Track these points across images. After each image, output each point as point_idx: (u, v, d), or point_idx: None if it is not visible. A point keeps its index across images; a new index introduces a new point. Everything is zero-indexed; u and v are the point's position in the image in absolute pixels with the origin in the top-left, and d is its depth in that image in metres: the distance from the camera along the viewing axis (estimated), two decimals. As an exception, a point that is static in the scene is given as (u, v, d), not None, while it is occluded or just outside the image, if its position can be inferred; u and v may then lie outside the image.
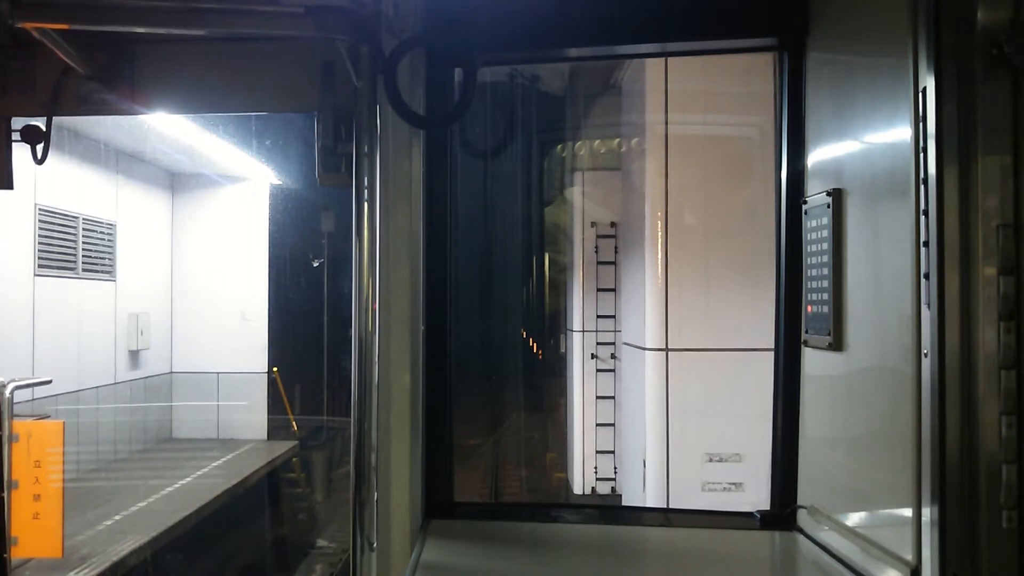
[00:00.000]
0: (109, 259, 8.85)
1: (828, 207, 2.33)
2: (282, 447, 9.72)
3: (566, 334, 8.86)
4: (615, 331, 7.64)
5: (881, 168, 2.07)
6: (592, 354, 7.85)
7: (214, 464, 8.88)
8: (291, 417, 10.18)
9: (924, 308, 1.78)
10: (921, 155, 1.79)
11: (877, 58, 2.11)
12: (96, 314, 8.65)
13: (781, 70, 2.64)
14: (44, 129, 2.32)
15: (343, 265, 9.87)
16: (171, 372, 10.28)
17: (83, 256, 8.30)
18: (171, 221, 10.30)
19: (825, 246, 2.35)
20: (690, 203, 5.10)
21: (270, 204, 10.46)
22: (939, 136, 1.74)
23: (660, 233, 5.10)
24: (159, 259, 10.13)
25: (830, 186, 2.33)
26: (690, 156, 5.09)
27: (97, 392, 8.63)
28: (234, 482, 8.04)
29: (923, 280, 1.79)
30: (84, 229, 8.30)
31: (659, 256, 5.10)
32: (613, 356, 7.71)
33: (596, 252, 7.86)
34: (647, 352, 5.18)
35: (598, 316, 7.83)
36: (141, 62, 2.31)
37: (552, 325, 9.74)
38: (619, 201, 7.49)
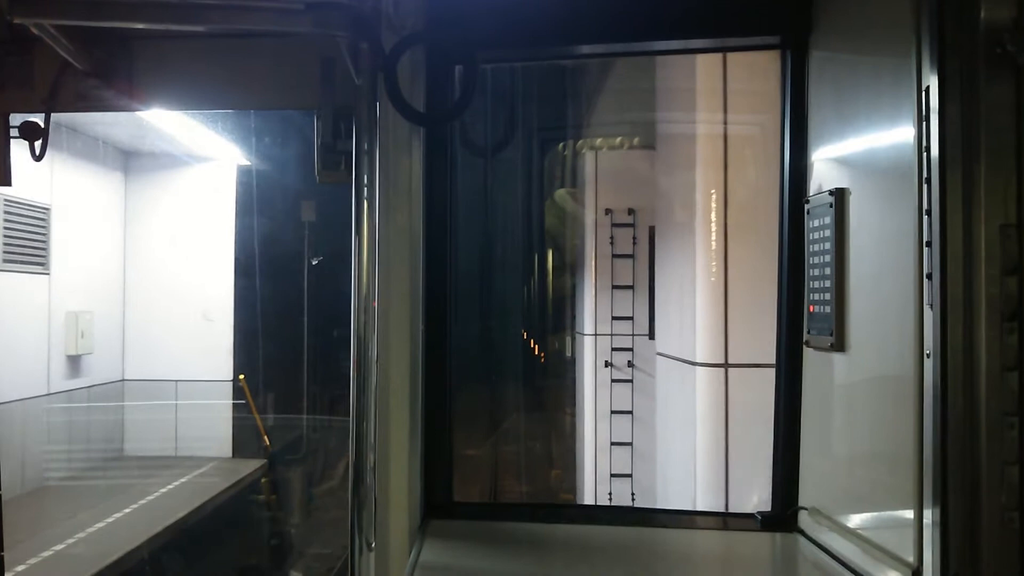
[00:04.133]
0: (41, 248, 7.59)
1: (831, 206, 2.32)
2: (249, 466, 8.47)
3: (574, 338, 7.96)
4: (633, 335, 6.70)
5: (884, 167, 2.06)
6: (606, 361, 6.82)
7: (162, 491, 7.55)
8: (262, 431, 8.87)
9: (927, 308, 1.77)
10: (924, 154, 1.78)
11: (880, 57, 2.10)
12: (23, 312, 7.42)
13: (784, 68, 2.63)
14: (42, 125, 2.31)
15: (328, 260, 9.11)
16: (123, 380, 9.00)
17: (3, 244, 7.07)
18: (124, 206, 9.00)
19: (827, 246, 2.34)
20: (750, 188, 4.01)
21: (238, 189, 9.23)
22: (942, 135, 1.73)
23: (715, 225, 4.06)
24: (108, 250, 8.80)
25: (833, 185, 2.32)
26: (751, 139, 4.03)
27: (24, 405, 7.28)
28: (180, 515, 6.78)
29: (926, 280, 1.78)
30: (4, 212, 7.11)
31: (712, 252, 4.06)
32: (631, 364, 6.73)
33: (612, 243, 6.79)
34: (698, 368, 4.13)
35: (613, 318, 6.82)
36: (140, 58, 2.30)
37: (557, 327, 8.82)
38: (639, 184, 6.57)
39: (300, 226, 9.31)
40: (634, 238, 6.74)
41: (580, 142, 7.46)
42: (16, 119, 2.36)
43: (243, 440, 8.95)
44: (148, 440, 9.02)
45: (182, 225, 9.02)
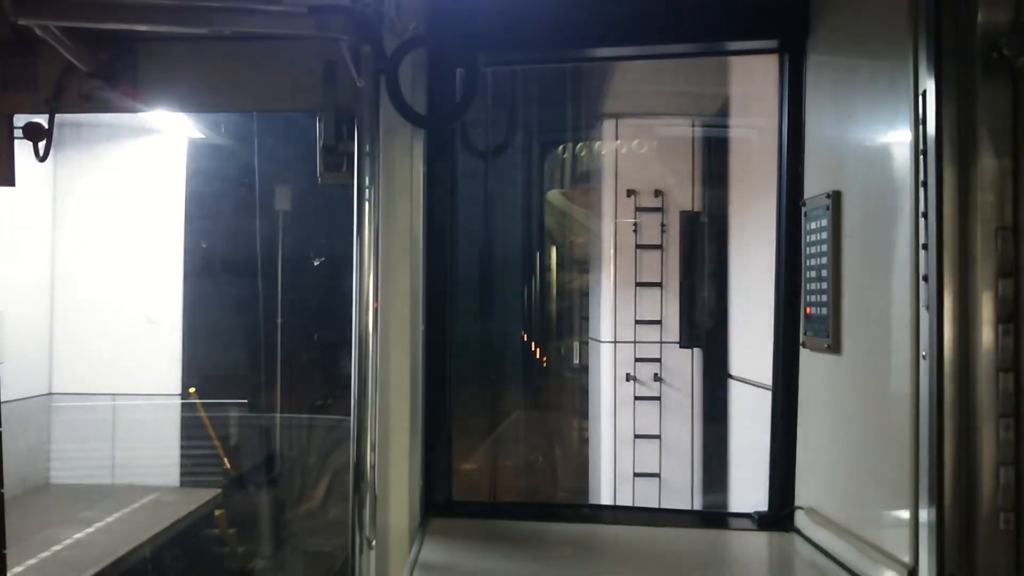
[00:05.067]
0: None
1: (828, 209, 2.33)
2: (199, 496, 6.98)
3: (582, 344, 6.84)
4: (661, 343, 5.66)
5: (881, 170, 2.08)
6: (628, 374, 5.66)
7: (76, 536, 6.00)
8: (221, 451, 7.51)
9: (923, 310, 1.79)
10: (920, 157, 1.79)
11: (877, 60, 2.11)
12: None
13: (781, 72, 2.64)
14: (46, 126, 2.33)
15: (306, 255, 8.10)
16: (49, 393, 7.49)
17: None
18: (52, 187, 7.52)
19: (824, 248, 2.35)
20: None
21: (189, 168, 7.64)
22: (939, 138, 1.75)
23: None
24: (29, 238, 7.30)
25: (830, 188, 2.34)
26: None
27: None
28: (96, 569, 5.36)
29: (922, 282, 1.79)
30: None
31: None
32: (658, 378, 5.63)
33: (635, 232, 5.68)
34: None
35: (637, 322, 5.67)
36: (143, 60, 2.31)
37: (564, 331, 7.78)
38: (672, 159, 5.64)
39: (272, 216, 7.85)
40: (662, 225, 5.61)
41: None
42: (20, 119, 2.37)
43: (196, 464, 7.52)
44: (78, 466, 7.54)
45: (123, 210, 7.52)
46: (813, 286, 2.43)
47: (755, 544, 2.61)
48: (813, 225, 2.44)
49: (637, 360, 5.65)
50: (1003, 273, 1.69)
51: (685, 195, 5.57)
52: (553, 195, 7.37)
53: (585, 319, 6.87)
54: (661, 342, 5.66)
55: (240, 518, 7.08)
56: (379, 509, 2.08)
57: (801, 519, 2.52)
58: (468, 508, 2.90)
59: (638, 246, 5.67)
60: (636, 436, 5.58)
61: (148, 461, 7.46)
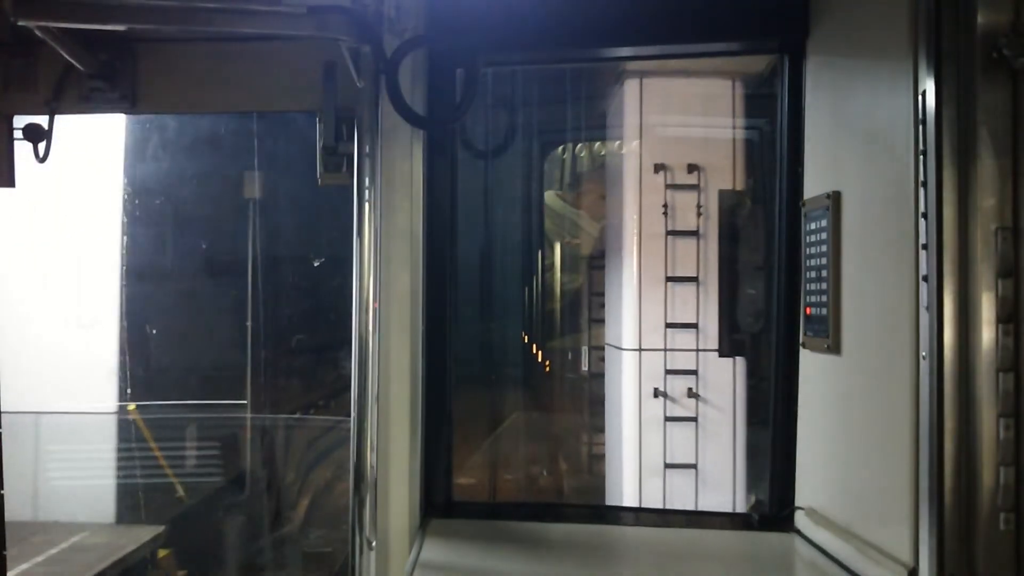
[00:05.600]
0: None
1: (827, 209, 2.33)
2: (137, 535, 5.58)
3: (599, 351, 5.83)
4: (697, 351, 4.66)
5: (880, 170, 2.08)
6: (657, 390, 4.66)
7: None
8: (171, 476, 6.28)
9: (922, 311, 1.79)
10: (920, 158, 1.80)
11: (877, 61, 2.11)
12: None
13: (781, 72, 2.65)
14: (46, 127, 2.33)
15: (282, 249, 6.95)
16: None
17: None
18: None
19: (824, 248, 2.35)
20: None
21: (130, 142, 6.37)
22: (938, 139, 1.75)
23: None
24: None
25: (829, 188, 2.34)
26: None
27: None
28: None
29: (922, 283, 1.79)
30: None
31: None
32: (692, 394, 4.64)
33: (666, 215, 4.66)
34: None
35: (667, 325, 4.66)
36: (143, 61, 2.31)
37: (570, 334, 6.88)
38: (712, 125, 4.78)
39: (241, 205, 6.63)
40: (699, 207, 4.61)
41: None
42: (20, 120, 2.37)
43: (139, 493, 6.16)
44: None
45: (49, 198, 6.14)
46: (813, 286, 2.43)
47: (755, 544, 2.61)
48: (813, 225, 2.44)
49: (668, 372, 4.66)
50: (1003, 273, 1.69)
51: (725, 171, 4.70)
52: (550, 196, 7.16)
53: (596, 321, 6.09)
54: (697, 350, 4.65)
55: (195, 557, 5.86)
56: (379, 510, 2.08)
57: (801, 519, 2.52)
58: (468, 509, 2.90)
59: (669, 233, 4.64)
60: (667, 465, 4.65)
61: (79, 492, 6.10)
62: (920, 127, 1.80)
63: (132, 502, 6.10)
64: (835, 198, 2.31)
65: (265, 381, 6.62)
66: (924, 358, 1.78)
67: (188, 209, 6.83)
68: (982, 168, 1.71)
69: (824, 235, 2.35)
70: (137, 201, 6.50)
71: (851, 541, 2.15)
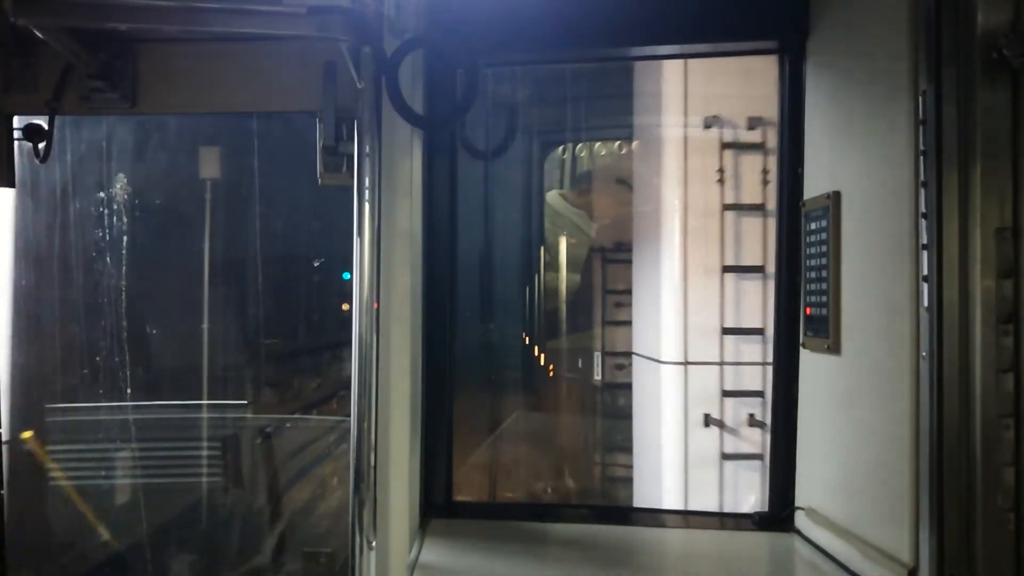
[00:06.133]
0: None
1: (827, 209, 2.33)
2: None
3: (610, 357, 5.10)
4: (765, 364, 3.55)
5: (880, 171, 2.08)
6: (708, 416, 3.59)
7: None
8: (85, 508, 3.87)
9: (923, 311, 1.79)
10: (920, 158, 1.80)
11: (877, 61, 2.11)
12: None
13: (781, 73, 2.65)
14: (46, 127, 2.33)
15: (248, 239, 5.51)
16: None
17: None
18: None
19: (824, 248, 2.35)
20: None
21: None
22: (938, 139, 1.75)
23: None
24: None
25: (829, 188, 2.34)
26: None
27: None
28: None
29: (922, 283, 1.79)
30: None
31: None
32: (755, 421, 3.58)
33: (721, 181, 3.60)
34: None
35: (724, 331, 3.64)
36: (143, 61, 2.31)
37: (579, 340, 5.97)
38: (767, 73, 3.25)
39: (196, 186, 5.07)
40: (764, 173, 3.54)
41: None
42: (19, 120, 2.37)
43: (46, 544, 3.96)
44: None
45: None
46: (813, 286, 2.43)
47: (755, 544, 2.61)
48: (813, 225, 2.44)
49: (725, 394, 3.57)
50: (1003, 273, 1.69)
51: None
52: (552, 196, 7.04)
53: (609, 323, 5.39)
54: (764, 363, 3.53)
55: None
56: (379, 510, 2.08)
57: (801, 519, 2.52)
58: (468, 509, 2.90)
59: (726, 207, 3.55)
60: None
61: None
62: (920, 127, 1.80)
63: (24, 557, 3.44)
64: (835, 198, 2.31)
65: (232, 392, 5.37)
66: (924, 358, 1.78)
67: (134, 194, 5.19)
68: (982, 168, 1.71)
69: (824, 235, 2.35)
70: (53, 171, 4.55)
71: (851, 541, 2.16)
